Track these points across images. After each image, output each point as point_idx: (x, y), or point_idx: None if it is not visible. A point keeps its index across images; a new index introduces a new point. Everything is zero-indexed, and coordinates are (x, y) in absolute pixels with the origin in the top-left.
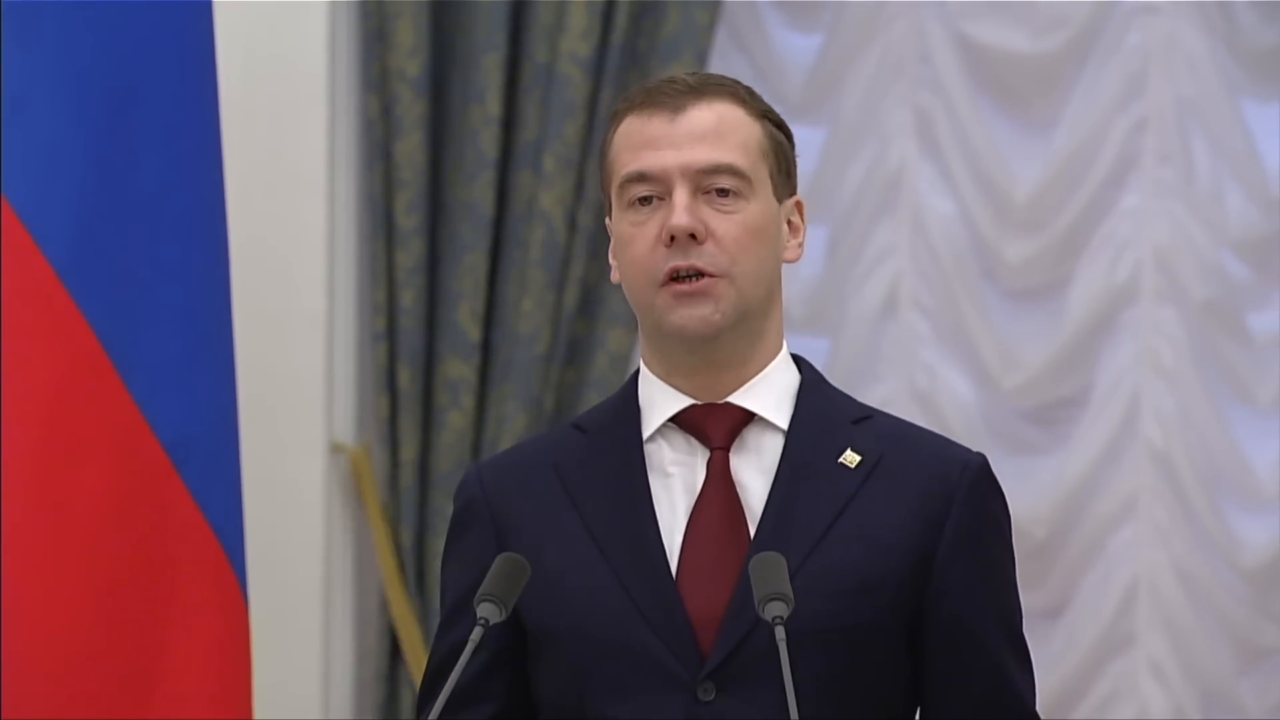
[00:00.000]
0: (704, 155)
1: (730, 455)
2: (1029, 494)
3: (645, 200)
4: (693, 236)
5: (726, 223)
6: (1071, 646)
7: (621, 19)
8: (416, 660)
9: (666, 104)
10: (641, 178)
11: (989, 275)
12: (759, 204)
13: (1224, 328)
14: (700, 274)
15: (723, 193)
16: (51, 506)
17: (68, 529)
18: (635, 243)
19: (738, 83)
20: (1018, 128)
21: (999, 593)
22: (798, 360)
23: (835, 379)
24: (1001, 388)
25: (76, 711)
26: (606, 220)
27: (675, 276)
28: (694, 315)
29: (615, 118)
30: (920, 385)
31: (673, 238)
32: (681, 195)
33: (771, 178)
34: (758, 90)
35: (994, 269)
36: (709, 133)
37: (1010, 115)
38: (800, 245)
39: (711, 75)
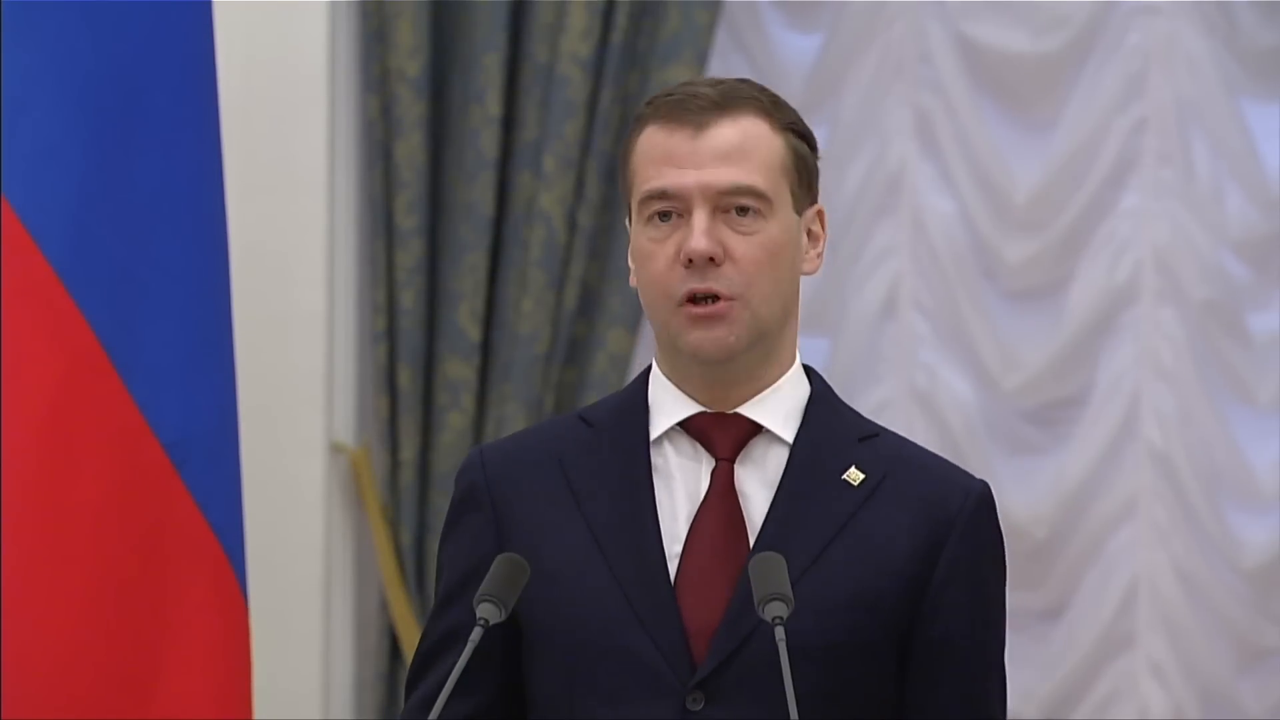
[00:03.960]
0: (725, 176)
1: (735, 466)
2: (1029, 494)
3: (664, 216)
4: (711, 259)
5: (745, 244)
6: (1071, 646)
7: (621, 19)
8: None
9: (690, 120)
10: (662, 195)
11: (989, 275)
12: (778, 222)
13: (1224, 328)
14: (717, 297)
15: (742, 211)
16: (51, 506)
17: (68, 529)
18: (653, 259)
19: (764, 92)
20: (1018, 128)
21: (988, 624)
22: (809, 372)
23: (835, 379)
24: (1001, 388)
25: (76, 711)
26: (626, 221)
27: (692, 298)
28: (709, 338)
29: (638, 123)
30: (920, 385)
31: (690, 260)
32: (700, 217)
33: (792, 192)
34: None
35: (994, 269)
36: (731, 151)
37: (1010, 115)
38: (820, 255)
39: (737, 86)
